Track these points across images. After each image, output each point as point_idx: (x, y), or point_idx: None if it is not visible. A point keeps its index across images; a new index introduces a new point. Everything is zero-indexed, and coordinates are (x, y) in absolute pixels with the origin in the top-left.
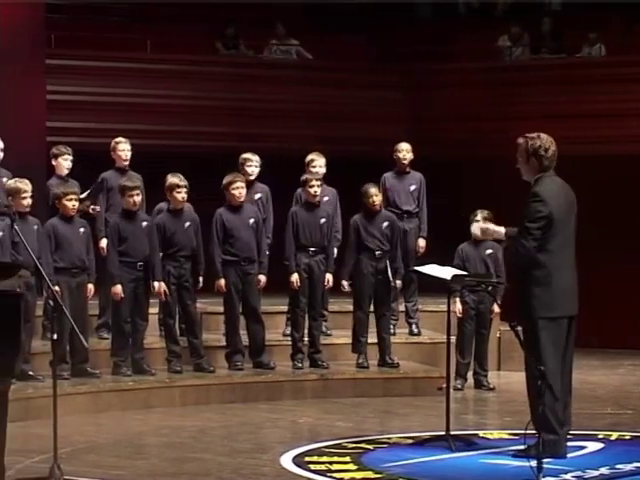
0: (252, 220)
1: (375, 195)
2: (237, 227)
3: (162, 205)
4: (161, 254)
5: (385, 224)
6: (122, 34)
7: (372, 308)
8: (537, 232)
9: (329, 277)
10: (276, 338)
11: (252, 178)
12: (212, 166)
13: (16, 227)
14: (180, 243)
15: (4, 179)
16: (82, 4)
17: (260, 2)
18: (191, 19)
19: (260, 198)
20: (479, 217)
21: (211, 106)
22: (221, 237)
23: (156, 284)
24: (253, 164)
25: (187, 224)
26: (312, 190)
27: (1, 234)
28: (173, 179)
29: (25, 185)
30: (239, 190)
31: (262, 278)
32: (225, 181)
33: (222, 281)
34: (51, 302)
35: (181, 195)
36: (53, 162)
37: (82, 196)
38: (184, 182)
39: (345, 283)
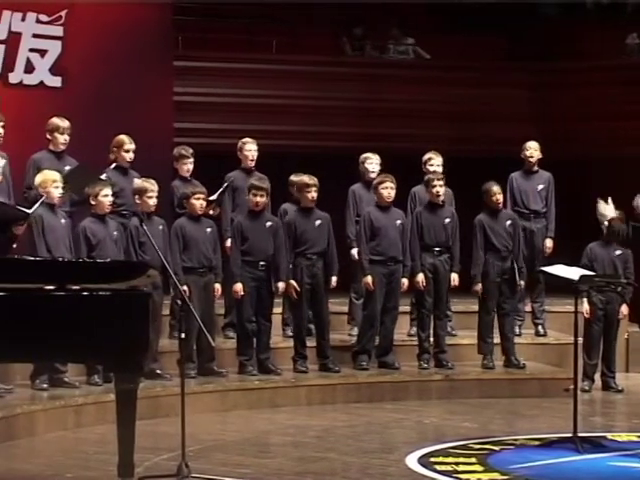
0: (399, 221)
1: (498, 193)
2: (385, 227)
3: (286, 206)
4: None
5: (508, 222)
6: (248, 35)
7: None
8: None
9: (455, 277)
10: (401, 338)
11: (372, 177)
12: (336, 167)
13: (144, 227)
14: (310, 241)
15: (135, 179)
16: (209, 6)
17: (386, 2)
18: (317, 20)
19: None
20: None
21: (336, 106)
22: (368, 236)
23: (280, 284)
24: (374, 162)
25: (318, 222)
26: (435, 190)
27: (115, 234)
28: (303, 178)
29: (151, 185)
30: (388, 190)
31: (404, 281)
32: (375, 181)
33: (369, 278)
34: (178, 301)
35: (311, 194)
36: (175, 164)
37: (212, 198)
38: (314, 181)
39: (479, 287)
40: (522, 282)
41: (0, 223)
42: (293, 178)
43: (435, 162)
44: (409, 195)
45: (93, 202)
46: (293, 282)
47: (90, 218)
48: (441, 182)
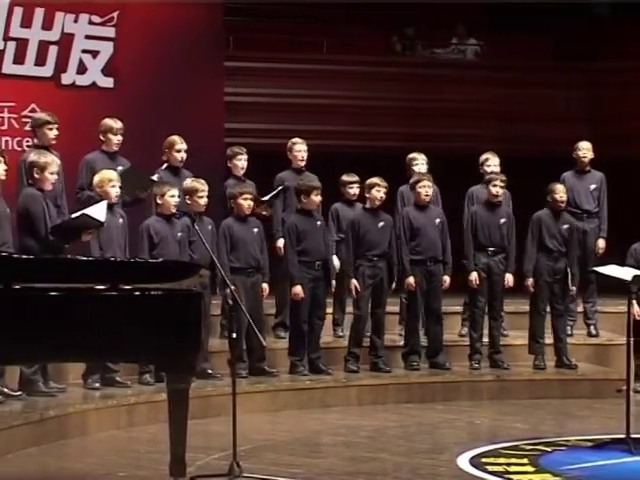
0: (438, 220)
1: (562, 193)
2: (424, 226)
3: (337, 205)
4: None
5: (565, 226)
6: (299, 36)
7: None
8: None
9: (509, 277)
10: (452, 338)
11: None
12: (386, 167)
13: (196, 227)
14: (373, 242)
15: (187, 180)
16: (259, 6)
17: (438, 2)
18: (367, 20)
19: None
20: None
21: (386, 106)
22: (408, 236)
23: (333, 282)
24: (419, 163)
25: (381, 224)
26: (494, 190)
27: (180, 234)
28: (373, 178)
29: (201, 185)
30: (425, 189)
31: (446, 279)
32: (412, 180)
33: (411, 279)
34: (229, 301)
35: (380, 194)
36: (228, 163)
37: (264, 199)
38: (384, 183)
39: (530, 282)
40: (574, 288)
41: (75, 232)
42: (345, 178)
43: (492, 162)
44: (466, 195)
45: (159, 201)
46: (354, 281)
47: (155, 217)
48: (503, 183)
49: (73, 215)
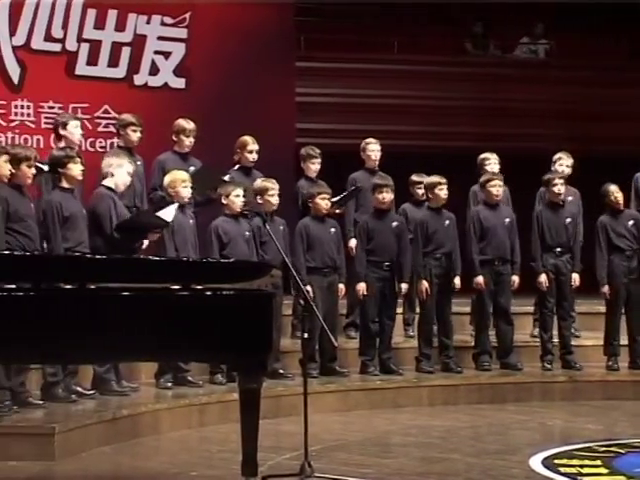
0: (507, 220)
1: (616, 192)
2: (494, 226)
3: (406, 206)
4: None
5: (631, 222)
6: (369, 36)
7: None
8: None
9: (576, 277)
10: (523, 339)
11: None
12: (458, 167)
13: (267, 227)
14: (440, 241)
15: (258, 180)
16: (331, 7)
17: (509, 2)
18: (438, 20)
19: None
20: None
21: (458, 106)
22: (478, 235)
23: (403, 286)
24: (492, 163)
25: (447, 222)
26: (555, 189)
27: (247, 234)
28: (433, 177)
29: (272, 184)
30: (497, 188)
31: (515, 279)
32: (482, 179)
33: (481, 278)
34: (302, 301)
35: (443, 192)
36: (302, 164)
37: (334, 200)
38: (445, 180)
39: (606, 289)
40: None
41: (142, 231)
42: (415, 178)
43: (564, 162)
44: (537, 195)
45: (225, 202)
46: (425, 283)
47: (223, 217)
48: (562, 181)
49: (137, 213)
